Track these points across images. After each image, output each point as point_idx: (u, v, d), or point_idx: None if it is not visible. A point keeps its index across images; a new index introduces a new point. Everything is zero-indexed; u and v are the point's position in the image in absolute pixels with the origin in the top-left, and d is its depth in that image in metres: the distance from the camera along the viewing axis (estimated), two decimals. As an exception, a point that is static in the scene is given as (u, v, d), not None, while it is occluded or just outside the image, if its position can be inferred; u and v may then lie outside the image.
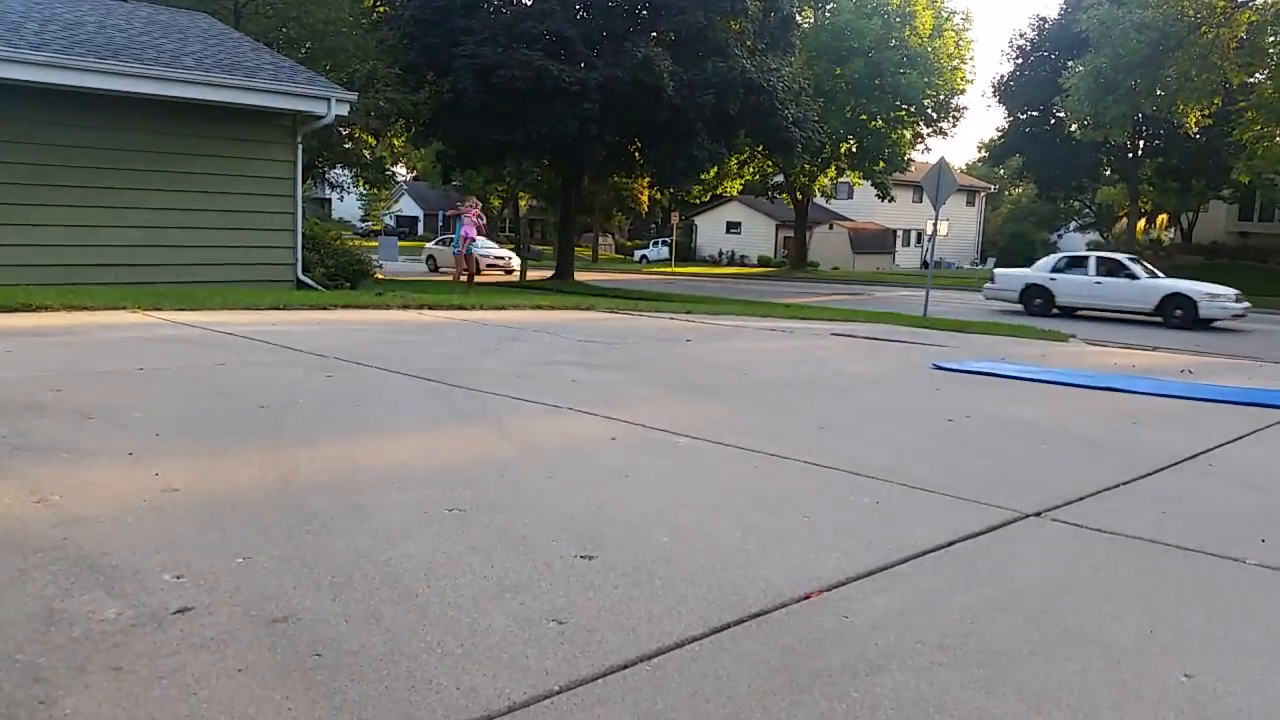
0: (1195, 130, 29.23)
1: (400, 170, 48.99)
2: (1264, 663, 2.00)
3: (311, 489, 2.94)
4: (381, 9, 27.79)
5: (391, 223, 75.02)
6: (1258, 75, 23.90)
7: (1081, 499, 3.23)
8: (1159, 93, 24.44)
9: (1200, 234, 45.25)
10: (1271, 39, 22.67)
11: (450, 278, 17.11)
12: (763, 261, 56.53)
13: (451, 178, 32.16)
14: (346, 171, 28.21)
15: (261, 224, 12.33)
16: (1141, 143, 35.86)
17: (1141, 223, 46.43)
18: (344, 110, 12.73)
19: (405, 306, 9.29)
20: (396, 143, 28.59)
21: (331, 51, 20.90)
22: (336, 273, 13.24)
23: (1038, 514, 3.02)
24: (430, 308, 9.36)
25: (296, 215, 12.53)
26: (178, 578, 2.18)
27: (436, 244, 37.71)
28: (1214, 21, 21.60)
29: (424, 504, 2.81)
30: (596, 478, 3.21)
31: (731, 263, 58.70)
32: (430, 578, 2.25)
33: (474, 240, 17.98)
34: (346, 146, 23.40)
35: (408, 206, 79.03)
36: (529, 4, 26.51)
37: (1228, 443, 4.33)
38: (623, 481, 3.18)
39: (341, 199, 38.88)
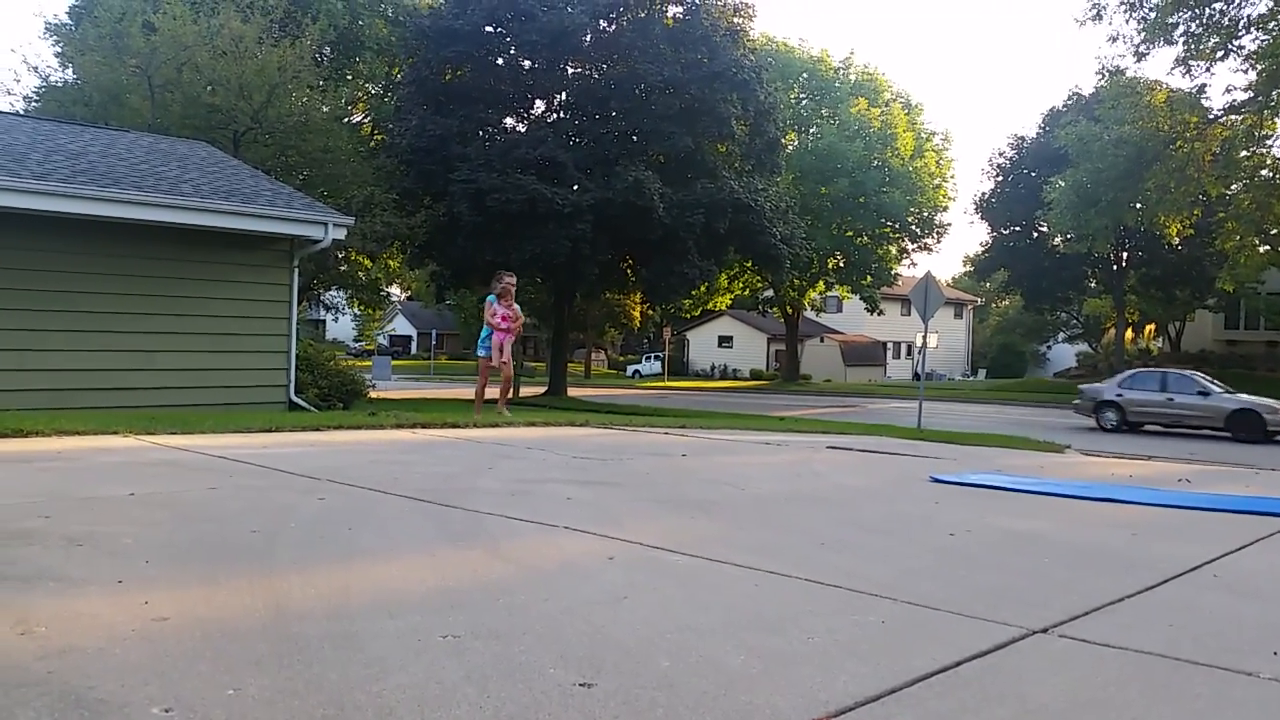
0: (1177, 241, 29.86)
1: (395, 290, 49.71)
2: (1290, 786, 1.93)
3: (303, 616, 2.88)
4: (379, 137, 28.70)
5: (385, 342, 75.60)
6: (1234, 187, 24.61)
7: (1088, 613, 3.17)
8: (1139, 205, 25.08)
9: (1188, 343, 45.83)
10: (1244, 153, 23.41)
11: (489, 395, 11.88)
12: (755, 375, 56.95)
13: (445, 297, 32.57)
14: (341, 293, 28.61)
15: (256, 346, 12.42)
16: (1125, 254, 36.60)
17: (1130, 333, 47.03)
18: (341, 234, 12.95)
19: (399, 426, 9.27)
20: (392, 264, 29.07)
21: (330, 178, 21.38)
22: (330, 393, 13.27)
23: (1045, 630, 2.96)
24: (424, 426, 9.34)
25: (291, 337, 12.63)
26: (166, 711, 2.11)
27: None
28: (1188, 136, 22.35)
29: (417, 631, 2.74)
30: (594, 599, 3.15)
31: (724, 376, 59.09)
32: (424, 709, 2.18)
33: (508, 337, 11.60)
34: (343, 269, 23.73)
35: (401, 326, 79.82)
36: (523, 131, 27.39)
37: (1231, 552, 4.29)
38: (621, 603, 3.11)
39: (336, 320, 39.30)
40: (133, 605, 2.89)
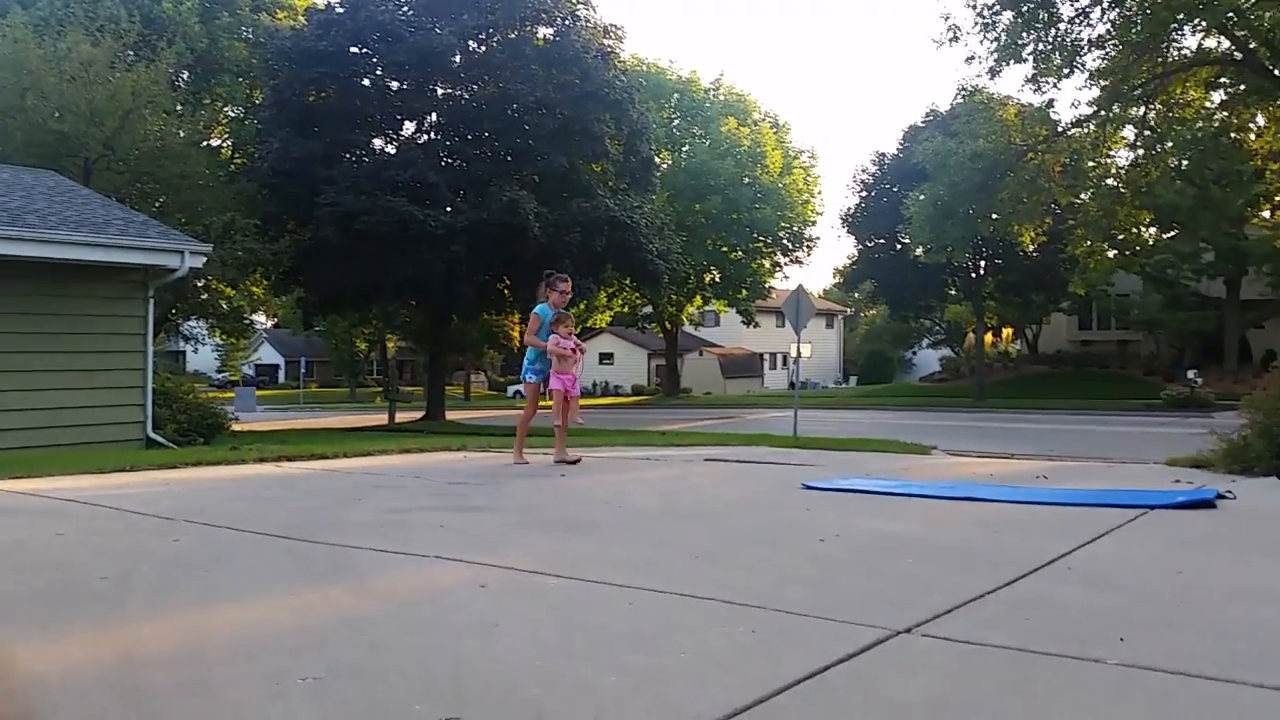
0: (1031, 248, 31.37)
1: (260, 318, 48.07)
2: (1131, 766, 2.02)
3: (153, 665, 2.72)
4: (240, 161, 27.79)
5: (251, 372, 72.89)
6: (1082, 196, 25.96)
7: (950, 611, 3.27)
8: (994, 216, 26.19)
9: (1045, 345, 48.28)
10: (1090, 164, 24.72)
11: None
12: (637, 390, 57.29)
13: (313, 323, 31.68)
14: (202, 323, 27.54)
15: (110, 382, 11.82)
16: (982, 262, 38.28)
17: (989, 337, 49.20)
18: (199, 263, 12.50)
19: (262, 459, 8.93)
20: (256, 291, 28.17)
21: (187, 204, 20.68)
22: (190, 428, 12.75)
23: (909, 630, 3.03)
24: (289, 459, 9.02)
25: (147, 371, 12.08)
26: (-11, 783, 1.96)
27: None
28: (1039, 149, 23.47)
29: (276, 674, 2.62)
30: (464, 630, 3.07)
31: (606, 393, 59.22)
32: (279, 757, 2.09)
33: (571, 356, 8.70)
34: (203, 298, 22.89)
35: (268, 355, 77.13)
36: (392, 153, 26.94)
37: (1084, 545, 4.49)
38: (492, 632, 3.05)
39: (196, 350, 37.70)
40: (-40, 667, 2.68)
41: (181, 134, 22.27)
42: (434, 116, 27.44)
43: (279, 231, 22.34)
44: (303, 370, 56.14)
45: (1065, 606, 3.40)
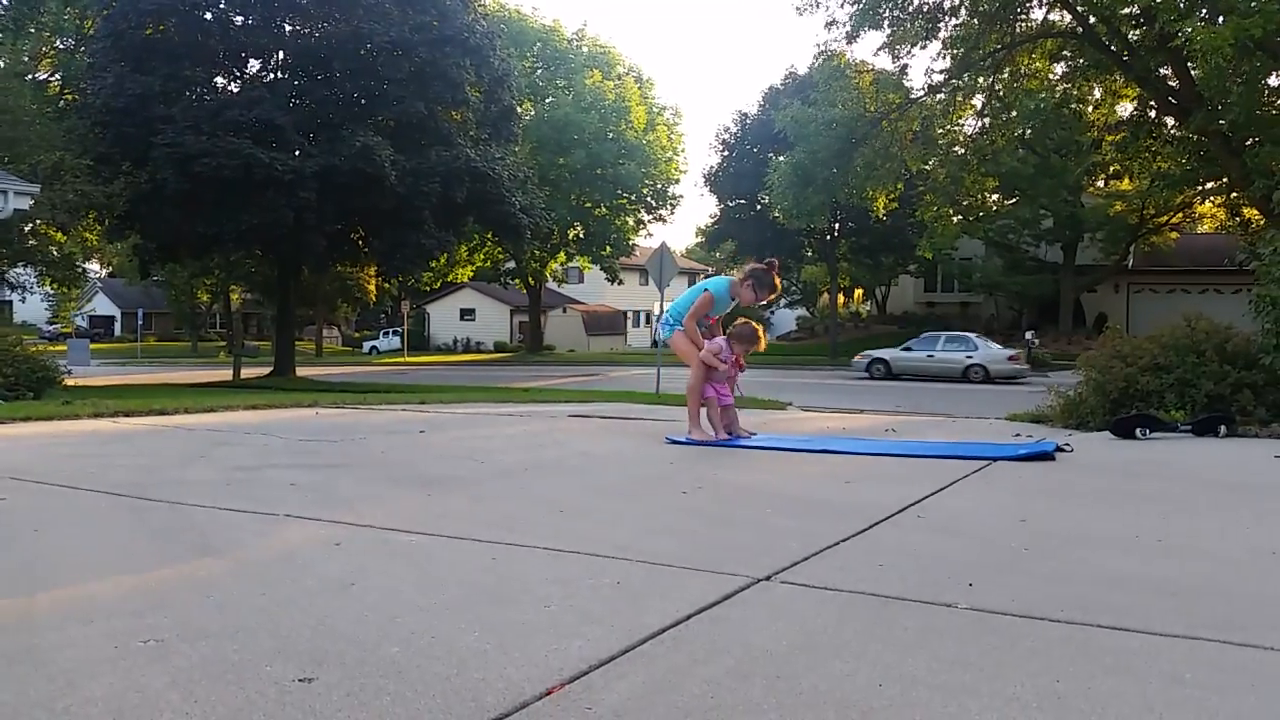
0: (884, 213, 32.42)
1: (94, 267, 45.12)
2: (982, 703, 2.10)
3: (-31, 635, 2.51)
4: (70, 96, 25.91)
5: (84, 324, 68.67)
6: (932, 162, 26.86)
7: (807, 559, 3.35)
8: (850, 181, 26.79)
9: (893, 305, 50.25)
10: (940, 131, 25.54)
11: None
12: (499, 347, 56.75)
13: (151, 273, 30.06)
14: (30, 270, 25.67)
15: (-78, 331, 10.87)
16: (837, 225, 39.34)
17: (841, 297, 50.81)
18: (25, 204, 11.65)
19: (98, 415, 8.40)
20: (89, 237, 26.39)
21: (10, 141, 19.21)
22: (17, 382, 11.92)
23: (768, 577, 3.09)
24: (127, 414, 8.51)
25: (-34, 320, 11.16)
26: None
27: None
28: (892, 116, 24.09)
29: (114, 637, 2.46)
30: (317, 589, 2.95)
31: (467, 350, 58.45)
32: (117, 724, 1.95)
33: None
34: (30, 243, 21.32)
35: (103, 305, 72.75)
36: (235, 92, 25.55)
37: (931, 494, 4.67)
38: (347, 591, 2.95)
39: (24, 300, 35.11)
40: None
41: (2, 64, 20.57)
42: (281, 55, 26.12)
43: (113, 173, 20.92)
44: (140, 323, 53.09)
45: (917, 553, 3.52)
